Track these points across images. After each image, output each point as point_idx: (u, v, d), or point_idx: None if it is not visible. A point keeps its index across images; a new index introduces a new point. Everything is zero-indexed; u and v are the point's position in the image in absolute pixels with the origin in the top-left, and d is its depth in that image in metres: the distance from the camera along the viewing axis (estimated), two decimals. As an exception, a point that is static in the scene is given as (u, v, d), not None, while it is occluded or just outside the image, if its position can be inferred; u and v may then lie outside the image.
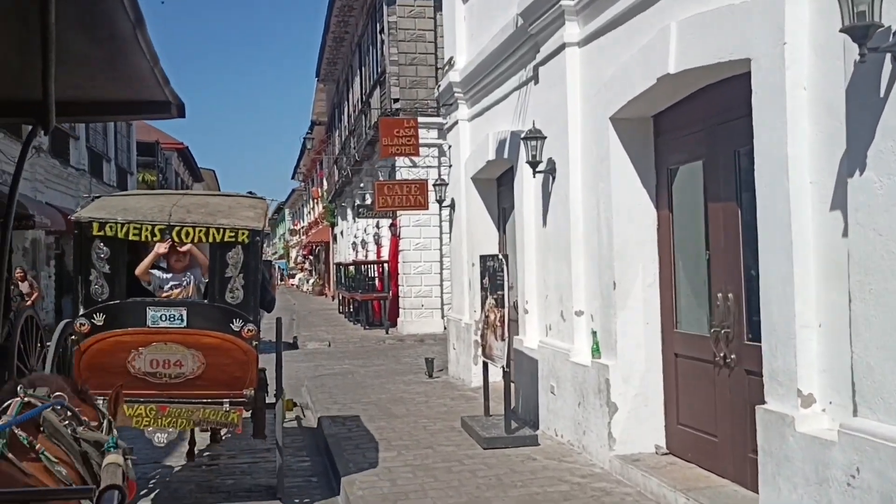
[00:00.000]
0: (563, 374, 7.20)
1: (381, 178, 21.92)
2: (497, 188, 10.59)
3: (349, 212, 31.29)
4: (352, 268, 23.79)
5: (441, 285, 18.81)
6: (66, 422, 2.66)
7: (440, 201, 11.40)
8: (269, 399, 6.35)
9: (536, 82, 8.12)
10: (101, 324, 5.45)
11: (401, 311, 19.16)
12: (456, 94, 10.99)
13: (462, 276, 11.03)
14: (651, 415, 6.30)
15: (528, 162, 7.56)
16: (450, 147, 11.59)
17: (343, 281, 25.63)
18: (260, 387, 5.96)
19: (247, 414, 6.00)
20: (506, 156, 9.05)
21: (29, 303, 16.31)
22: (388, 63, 18.83)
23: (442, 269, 18.81)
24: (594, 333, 6.78)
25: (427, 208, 12.28)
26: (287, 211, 72.41)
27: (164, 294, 5.99)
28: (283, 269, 69.49)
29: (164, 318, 5.54)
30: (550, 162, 7.54)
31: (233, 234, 5.55)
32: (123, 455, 2.65)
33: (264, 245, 6.79)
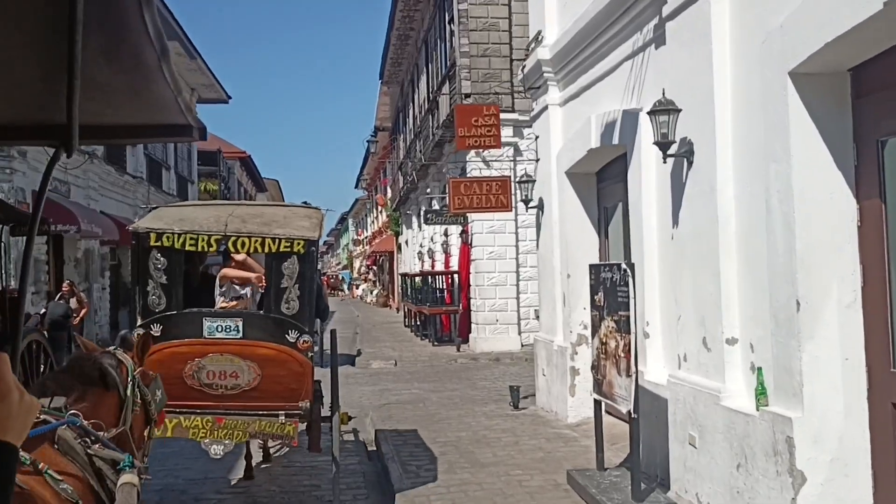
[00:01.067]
0: (710, 423, 5.42)
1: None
2: (597, 184, 8.85)
3: (415, 220, 29.83)
4: (418, 279, 22.16)
5: (517, 298, 17.05)
6: (80, 440, 2.61)
7: (526, 201, 9.69)
8: (325, 412, 6.14)
9: (660, 45, 6.39)
10: (158, 334, 5.37)
11: (473, 326, 17.46)
12: (545, 75, 9.30)
13: (553, 288, 9.30)
14: (854, 487, 4.46)
15: (656, 143, 5.82)
16: (537, 138, 9.89)
17: (409, 293, 24.03)
18: (315, 399, 5.85)
19: (302, 427, 5.87)
20: (615, 141, 7.31)
21: (77, 319, 15.18)
22: (458, 55, 17.21)
23: (518, 280, 17.08)
24: (759, 370, 4.99)
25: (510, 210, 10.52)
26: (350, 221, 71.49)
27: (226, 302, 6.08)
28: (346, 280, 68.65)
29: (220, 329, 5.49)
30: (686, 143, 5.79)
31: (288, 244, 5.47)
32: (139, 474, 2.66)
33: (318, 253, 6.65)
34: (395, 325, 27.02)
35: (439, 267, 22.56)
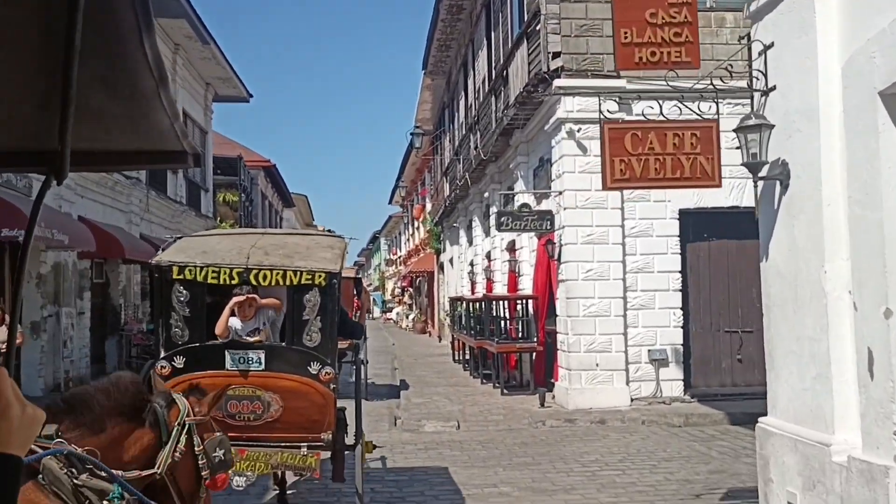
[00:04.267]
0: None
1: (520, 177, 15.70)
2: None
3: (462, 234, 25.22)
4: (476, 305, 17.40)
5: (625, 334, 12.24)
6: (66, 469, 2.51)
7: (753, 165, 4.97)
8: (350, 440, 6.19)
9: None
10: (181, 366, 5.46)
11: (561, 371, 12.68)
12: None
13: (823, 334, 4.56)
14: None
15: None
16: (767, 48, 5.19)
17: (462, 322, 19.26)
18: (339, 428, 5.89)
19: (325, 456, 5.91)
20: None
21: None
22: (543, 1, 12.61)
23: (626, 309, 12.29)
24: None
25: (718, 183, 5.76)
26: (383, 240, 66.98)
27: (248, 336, 6.00)
28: (378, 302, 64.17)
29: (242, 361, 5.61)
30: None
31: (309, 277, 5.58)
32: None
33: (340, 285, 6.06)
34: (441, 359, 22.26)
35: (499, 290, 17.84)
